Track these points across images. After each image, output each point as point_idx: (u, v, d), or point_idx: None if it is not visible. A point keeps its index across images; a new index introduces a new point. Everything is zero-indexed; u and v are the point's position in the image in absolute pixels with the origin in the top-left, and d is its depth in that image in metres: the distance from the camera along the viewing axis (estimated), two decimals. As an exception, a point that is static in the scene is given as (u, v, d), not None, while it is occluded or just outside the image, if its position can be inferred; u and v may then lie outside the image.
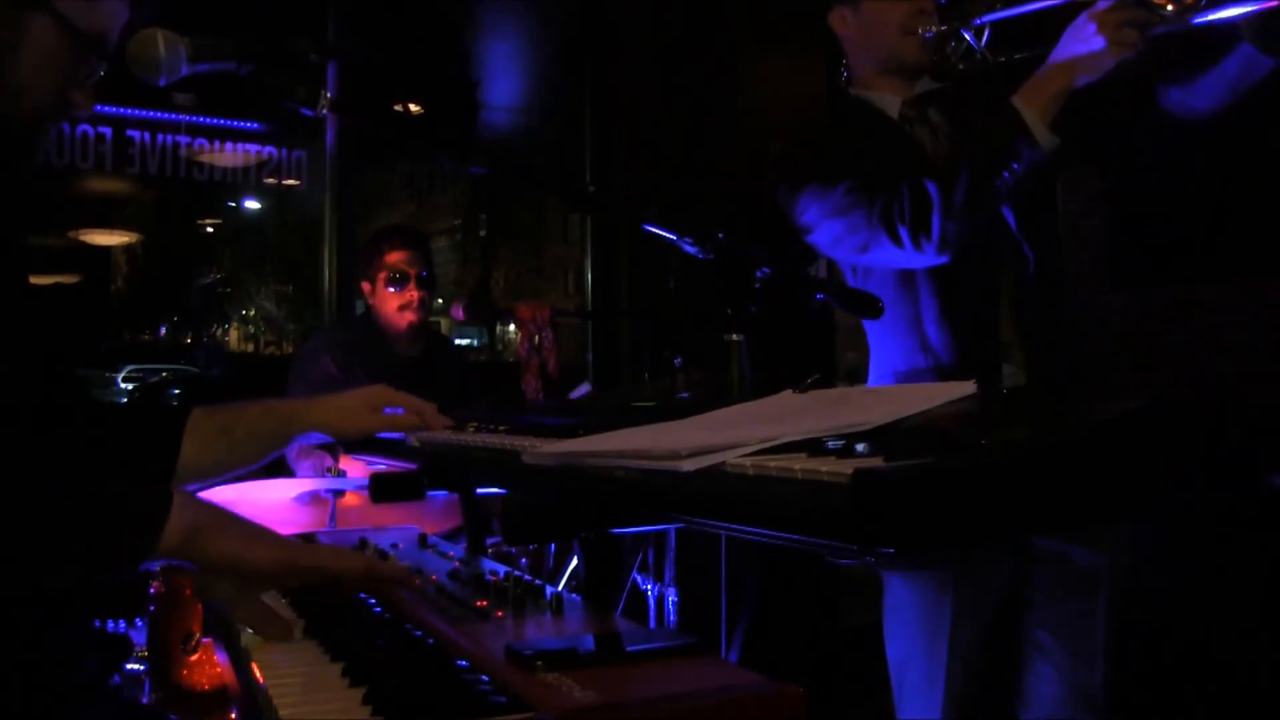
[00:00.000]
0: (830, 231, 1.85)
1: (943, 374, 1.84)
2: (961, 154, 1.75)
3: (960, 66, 1.85)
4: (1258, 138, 1.72)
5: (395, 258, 2.96)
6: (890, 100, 1.95)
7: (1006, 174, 1.71)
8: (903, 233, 1.72)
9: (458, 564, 1.43)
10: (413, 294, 2.96)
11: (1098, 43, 1.60)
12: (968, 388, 0.92)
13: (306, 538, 1.74)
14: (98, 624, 2.39)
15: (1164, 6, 1.57)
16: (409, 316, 2.97)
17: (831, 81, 4.39)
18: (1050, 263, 1.85)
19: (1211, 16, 1.57)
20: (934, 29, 1.85)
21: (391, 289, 2.95)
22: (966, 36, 1.83)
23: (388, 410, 1.53)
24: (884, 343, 1.94)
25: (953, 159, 1.75)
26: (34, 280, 1.30)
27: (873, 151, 1.90)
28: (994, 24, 1.79)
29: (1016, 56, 1.79)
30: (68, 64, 1.18)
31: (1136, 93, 1.85)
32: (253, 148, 4.12)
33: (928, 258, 1.75)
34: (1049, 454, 0.70)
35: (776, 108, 4.29)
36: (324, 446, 2.78)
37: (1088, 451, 0.71)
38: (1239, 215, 3.25)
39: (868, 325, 1.97)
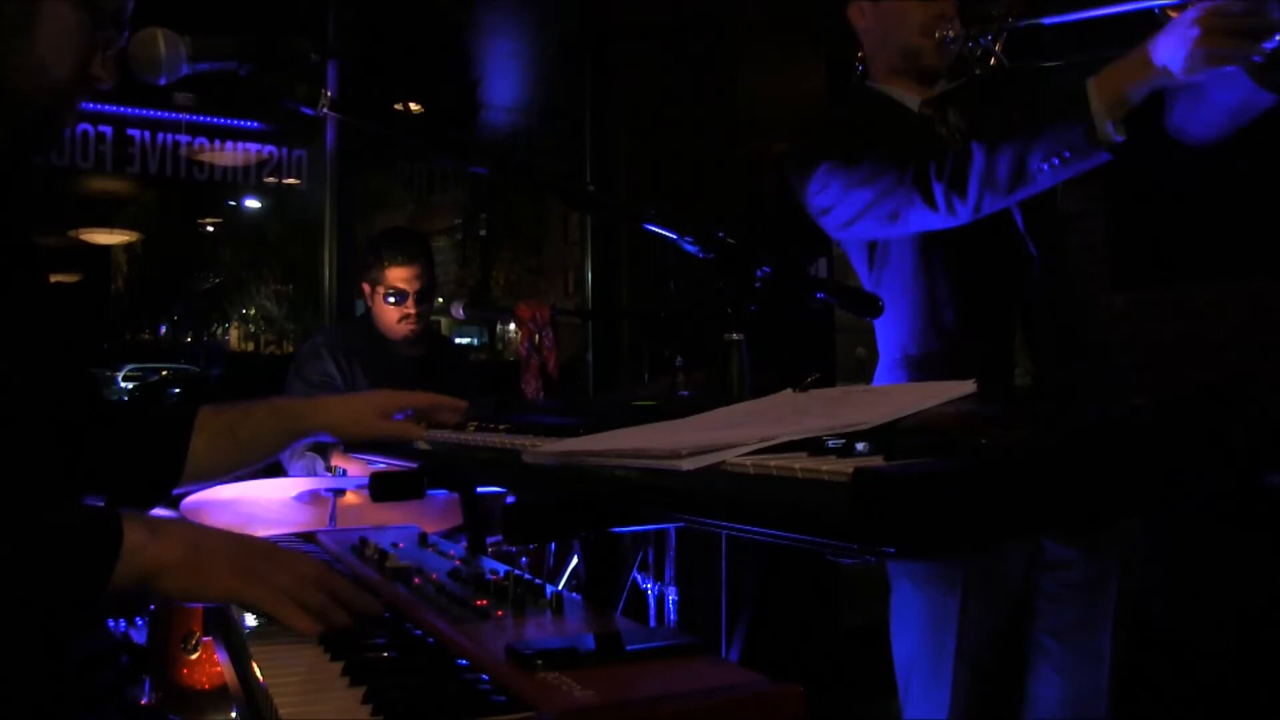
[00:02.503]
0: (855, 204, 1.80)
1: (956, 358, 1.82)
2: (1016, 125, 1.62)
3: (976, 71, 1.83)
4: (1257, 139, 1.72)
5: (395, 275, 2.96)
6: (907, 98, 1.94)
7: (1055, 159, 1.56)
8: (938, 190, 1.65)
9: (458, 563, 1.42)
10: (411, 309, 2.97)
11: (1180, 50, 1.43)
12: (968, 387, 0.92)
13: (306, 536, 1.74)
14: (111, 625, 2.39)
15: None
16: (405, 329, 2.99)
17: (832, 81, 4.39)
18: (1053, 263, 1.85)
19: None
20: (953, 33, 1.82)
21: (390, 301, 2.97)
22: (983, 42, 1.80)
23: (397, 416, 1.52)
24: (896, 327, 1.91)
25: (1005, 128, 1.63)
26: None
27: (894, 137, 1.87)
28: (1013, 30, 1.76)
29: (1041, 65, 1.76)
30: (86, 38, 1.18)
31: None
32: (253, 147, 4.11)
33: (959, 218, 1.67)
34: (1049, 454, 0.70)
35: (776, 108, 4.30)
36: (316, 448, 2.78)
37: (1087, 451, 0.71)
38: (1239, 215, 3.26)
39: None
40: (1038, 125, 1.57)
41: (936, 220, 1.73)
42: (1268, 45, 1.39)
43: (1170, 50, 1.44)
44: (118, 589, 1.02)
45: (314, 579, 1.13)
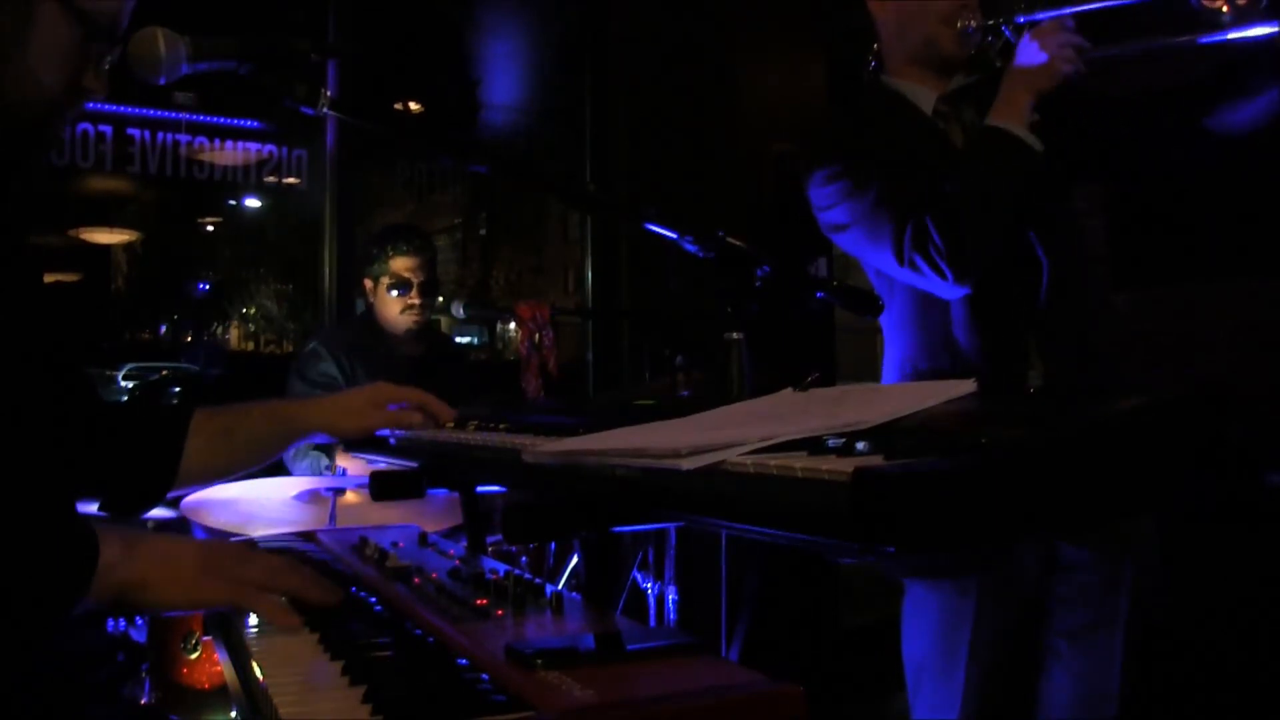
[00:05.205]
0: (859, 238, 1.85)
1: (966, 376, 1.82)
2: (972, 186, 1.75)
3: (998, 64, 1.83)
4: (1258, 137, 1.72)
5: (400, 265, 2.99)
6: (923, 93, 1.92)
7: (1020, 190, 1.74)
8: (943, 266, 1.73)
9: (458, 562, 1.42)
10: (415, 300, 2.99)
11: (1041, 57, 1.73)
12: (968, 386, 0.92)
13: (306, 536, 1.74)
14: (111, 626, 2.39)
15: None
16: (409, 321, 3.01)
17: (832, 80, 4.39)
18: (1065, 267, 1.84)
19: (1232, 35, 1.59)
20: (974, 23, 1.83)
21: (394, 293, 2.99)
22: (1006, 33, 1.82)
23: (391, 407, 1.53)
24: (905, 341, 1.91)
25: (966, 194, 1.74)
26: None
27: (903, 145, 1.87)
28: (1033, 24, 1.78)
29: None
30: (78, 49, 1.18)
31: (1144, 105, 1.85)
32: (253, 146, 4.11)
33: (964, 289, 1.76)
34: (1049, 453, 0.70)
35: (776, 108, 4.29)
36: (320, 447, 2.79)
37: (1087, 450, 0.71)
38: (1239, 215, 3.25)
39: (885, 323, 1.96)
40: (990, 175, 1.75)
41: (942, 288, 1.77)
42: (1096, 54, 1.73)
43: (1027, 64, 1.74)
44: (93, 605, 1.02)
45: (284, 567, 1.15)
